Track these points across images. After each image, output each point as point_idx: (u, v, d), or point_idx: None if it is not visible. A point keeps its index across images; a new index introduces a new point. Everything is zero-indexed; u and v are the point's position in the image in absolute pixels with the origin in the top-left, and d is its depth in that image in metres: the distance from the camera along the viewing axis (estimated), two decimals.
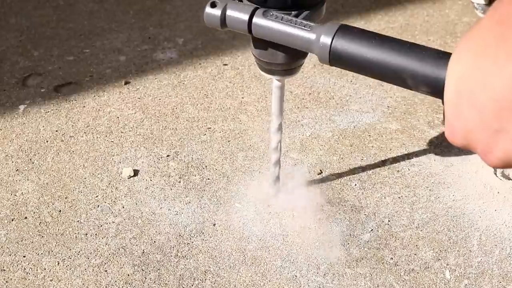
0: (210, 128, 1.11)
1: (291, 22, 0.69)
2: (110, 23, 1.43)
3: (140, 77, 1.25)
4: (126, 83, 1.23)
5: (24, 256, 0.87)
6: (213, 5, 0.72)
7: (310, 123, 1.12)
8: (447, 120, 0.44)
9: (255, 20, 0.71)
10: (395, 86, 0.81)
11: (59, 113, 1.15)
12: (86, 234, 0.90)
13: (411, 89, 0.61)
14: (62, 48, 1.33)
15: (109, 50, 1.32)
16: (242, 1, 0.74)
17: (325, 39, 0.64)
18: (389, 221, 0.93)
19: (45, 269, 0.85)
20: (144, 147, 1.07)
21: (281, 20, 0.70)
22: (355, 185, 0.99)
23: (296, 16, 0.72)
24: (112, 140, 1.08)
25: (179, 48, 1.33)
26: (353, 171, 1.01)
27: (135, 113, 1.15)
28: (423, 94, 0.60)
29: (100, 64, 1.28)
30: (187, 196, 0.97)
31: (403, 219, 0.93)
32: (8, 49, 1.33)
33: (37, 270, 0.85)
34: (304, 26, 0.68)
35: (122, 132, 1.10)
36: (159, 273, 0.85)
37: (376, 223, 0.92)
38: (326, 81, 1.22)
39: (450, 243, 0.89)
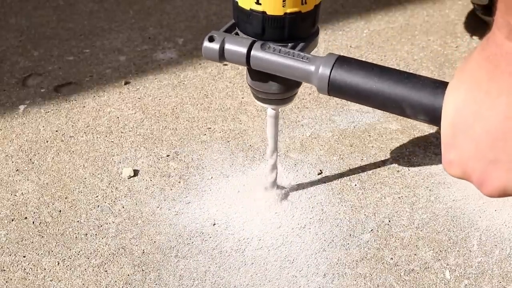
0: (210, 128, 1.11)
1: (289, 54, 0.70)
2: (110, 23, 1.43)
3: (140, 77, 1.25)
4: (126, 83, 1.23)
5: (24, 256, 0.87)
6: (211, 39, 0.73)
7: (310, 123, 1.12)
8: (443, 150, 0.45)
9: (254, 53, 0.72)
10: None
11: (59, 113, 1.15)
12: (86, 234, 0.90)
13: (409, 118, 0.61)
14: (62, 48, 1.33)
15: (109, 50, 1.32)
16: (238, 35, 0.75)
17: (324, 71, 0.65)
18: (389, 221, 0.93)
19: (45, 269, 0.85)
20: (144, 147, 1.07)
21: (279, 52, 0.71)
22: (355, 185, 0.99)
23: (293, 48, 0.73)
24: (112, 140, 1.08)
25: (179, 48, 1.33)
26: (353, 171, 1.01)
27: (135, 113, 1.15)
28: (422, 122, 0.61)
29: (100, 64, 1.28)
30: (187, 196, 0.97)
31: (403, 219, 0.93)
32: (8, 49, 1.33)
33: (37, 270, 0.85)
34: (302, 58, 0.69)
35: (122, 132, 1.10)
36: (159, 273, 0.85)
37: (376, 223, 0.92)
38: None
39: (450, 243, 0.89)
